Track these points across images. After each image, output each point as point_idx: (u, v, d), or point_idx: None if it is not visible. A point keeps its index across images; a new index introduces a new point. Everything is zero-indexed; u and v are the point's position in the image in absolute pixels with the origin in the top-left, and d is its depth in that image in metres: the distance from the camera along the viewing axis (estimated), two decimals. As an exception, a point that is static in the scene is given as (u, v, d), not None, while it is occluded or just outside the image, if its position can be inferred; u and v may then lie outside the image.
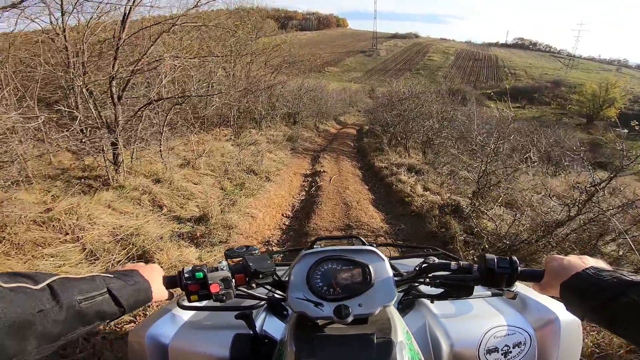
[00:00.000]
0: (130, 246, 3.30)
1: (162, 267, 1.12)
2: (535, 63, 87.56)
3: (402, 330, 0.69)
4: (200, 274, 0.76)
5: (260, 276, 0.79)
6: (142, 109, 5.02)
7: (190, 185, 5.21)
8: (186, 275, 0.77)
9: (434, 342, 0.87)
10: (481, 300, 0.99)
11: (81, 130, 5.41)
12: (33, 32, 5.68)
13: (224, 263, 0.81)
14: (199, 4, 5.40)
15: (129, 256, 3.17)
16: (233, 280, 0.79)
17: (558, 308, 0.90)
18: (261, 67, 15.54)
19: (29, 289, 0.50)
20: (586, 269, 0.63)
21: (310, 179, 6.83)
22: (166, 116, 5.16)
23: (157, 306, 1.72)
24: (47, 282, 0.53)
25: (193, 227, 4.08)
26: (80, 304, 0.55)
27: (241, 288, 0.83)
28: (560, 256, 0.71)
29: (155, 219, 4.17)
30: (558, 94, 60.81)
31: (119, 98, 5.10)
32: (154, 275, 0.76)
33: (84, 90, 4.70)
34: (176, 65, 4.99)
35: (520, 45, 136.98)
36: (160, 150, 5.25)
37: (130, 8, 4.89)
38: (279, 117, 13.54)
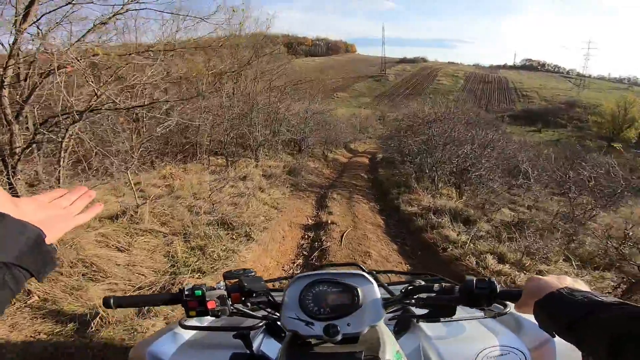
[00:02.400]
0: None
1: None
2: (546, 84, 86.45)
3: (391, 349, 0.70)
4: (199, 292, 0.79)
5: (254, 295, 0.83)
6: (41, 131, 3.15)
7: (107, 252, 3.21)
8: (186, 292, 0.80)
9: None
10: (475, 321, 0.99)
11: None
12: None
13: (222, 283, 0.84)
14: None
15: None
16: (229, 298, 0.82)
17: None
18: (265, 88, 14.12)
19: None
20: (560, 289, 0.63)
21: (312, 234, 4.75)
22: (61, 142, 3.22)
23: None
24: None
25: (72, 337, 2.17)
26: None
27: (237, 306, 0.85)
28: (539, 276, 0.70)
29: (9, 315, 2.29)
30: (573, 116, 58.91)
31: (17, 115, 3.33)
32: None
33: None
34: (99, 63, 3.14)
35: (529, 67, 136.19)
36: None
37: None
38: (281, 143, 11.72)
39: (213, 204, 4.59)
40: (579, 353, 0.85)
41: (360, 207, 6.17)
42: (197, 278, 3.09)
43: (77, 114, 2.88)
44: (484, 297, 0.74)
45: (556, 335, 0.62)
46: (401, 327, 1.00)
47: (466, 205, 5.84)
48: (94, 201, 0.64)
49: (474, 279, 0.77)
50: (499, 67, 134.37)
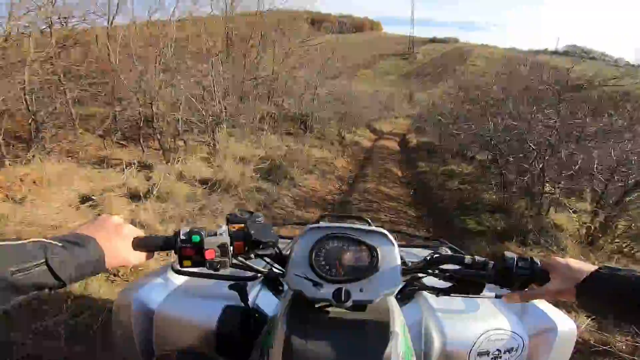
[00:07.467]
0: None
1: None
2: (594, 72, 78.03)
3: (399, 322, 0.65)
4: (197, 237, 0.64)
5: (261, 246, 0.70)
6: None
7: None
8: (182, 237, 0.65)
9: (427, 337, 0.82)
10: (482, 300, 0.91)
11: None
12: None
13: (224, 228, 0.68)
14: None
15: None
16: (231, 247, 0.67)
17: (558, 317, 0.84)
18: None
19: None
20: (599, 268, 0.57)
21: None
22: None
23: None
24: None
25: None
26: (12, 275, 0.46)
27: (239, 257, 0.72)
28: (560, 258, 0.63)
29: None
30: (627, 108, 52.47)
31: None
32: (117, 241, 0.61)
33: None
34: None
35: (573, 53, 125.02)
36: None
37: None
38: (271, 120, 7.85)
39: None
40: (573, 345, 0.83)
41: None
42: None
43: None
44: (523, 279, 0.65)
45: (612, 318, 0.61)
46: (405, 295, 0.91)
47: None
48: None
49: (515, 257, 0.66)
50: (538, 52, 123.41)
